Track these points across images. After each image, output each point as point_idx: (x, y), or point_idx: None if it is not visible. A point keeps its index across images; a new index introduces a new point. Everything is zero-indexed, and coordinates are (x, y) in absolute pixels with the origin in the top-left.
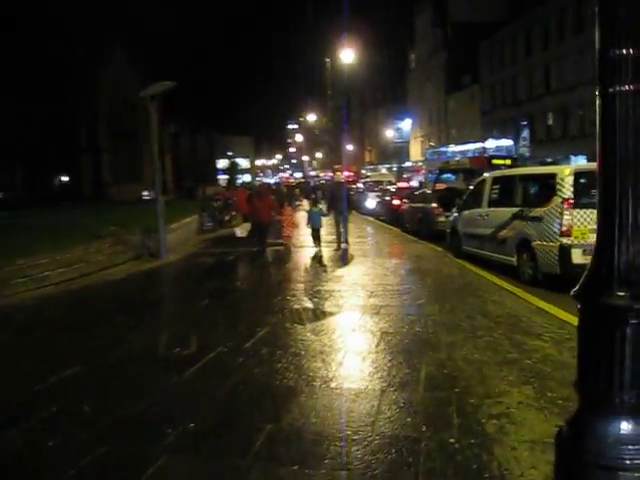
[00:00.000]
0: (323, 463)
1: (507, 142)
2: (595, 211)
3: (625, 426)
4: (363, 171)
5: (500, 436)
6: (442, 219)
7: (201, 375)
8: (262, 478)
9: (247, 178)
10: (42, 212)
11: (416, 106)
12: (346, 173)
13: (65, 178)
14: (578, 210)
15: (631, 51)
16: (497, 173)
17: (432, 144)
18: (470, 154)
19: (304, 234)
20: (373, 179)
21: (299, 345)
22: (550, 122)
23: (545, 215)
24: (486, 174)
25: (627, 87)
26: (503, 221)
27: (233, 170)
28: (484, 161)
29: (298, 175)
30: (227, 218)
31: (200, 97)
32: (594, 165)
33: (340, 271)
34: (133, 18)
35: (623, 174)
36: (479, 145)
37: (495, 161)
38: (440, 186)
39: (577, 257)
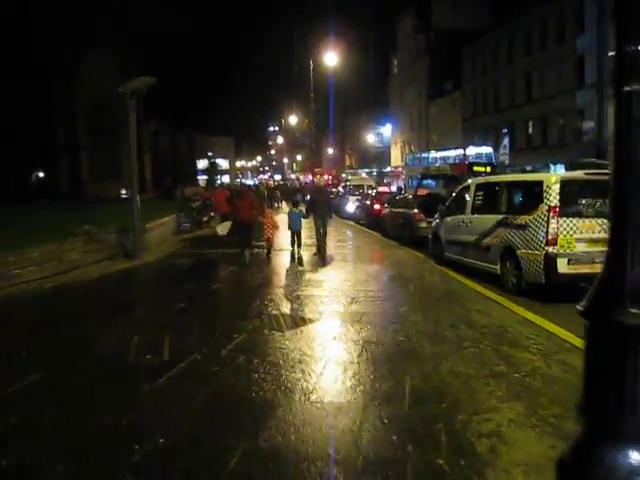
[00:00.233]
0: None
1: (487, 149)
2: (581, 220)
3: (637, 456)
4: (343, 175)
5: (491, 457)
6: (424, 225)
7: (173, 385)
8: None
9: (226, 179)
10: (16, 209)
11: (397, 111)
12: (326, 176)
13: (42, 175)
14: (564, 219)
15: None
16: (481, 179)
17: (412, 149)
18: (451, 160)
19: (284, 236)
20: (353, 183)
21: (277, 354)
22: (530, 130)
23: (530, 223)
24: (469, 180)
25: None
26: (487, 228)
27: (213, 171)
28: (465, 168)
29: (278, 177)
30: (205, 219)
31: (181, 96)
32: (581, 173)
33: (320, 276)
34: (116, 14)
35: (638, 177)
36: (460, 152)
37: (476, 168)
38: (422, 192)
39: (563, 267)
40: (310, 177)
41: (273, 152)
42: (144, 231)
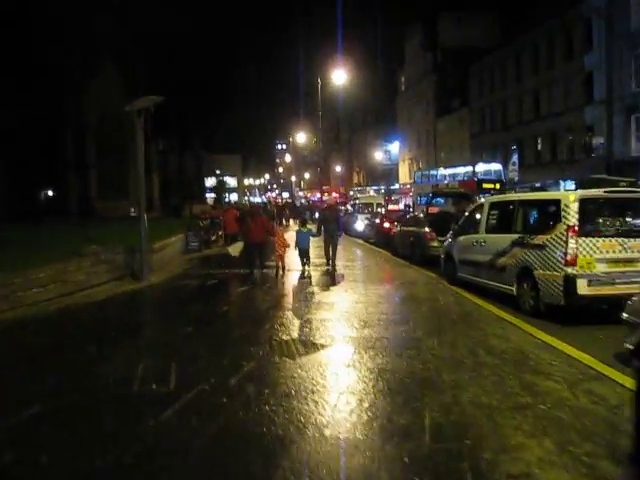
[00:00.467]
0: None
1: (496, 166)
2: (601, 239)
3: None
4: (351, 192)
5: None
6: (435, 244)
7: (179, 419)
8: None
9: (235, 197)
10: (24, 227)
11: (405, 128)
12: (334, 194)
13: (51, 193)
14: (584, 238)
15: None
16: (495, 198)
17: (420, 167)
18: (460, 178)
19: (294, 255)
20: (363, 201)
21: (289, 383)
22: (539, 147)
23: (548, 243)
24: (483, 199)
25: None
26: (502, 248)
27: (221, 189)
28: (474, 185)
29: (286, 195)
30: (213, 238)
31: (189, 114)
32: (601, 191)
33: (331, 297)
34: (125, 33)
35: None
36: (468, 169)
37: (485, 185)
38: (432, 210)
39: (583, 288)
40: (318, 195)
41: (281, 170)
42: (151, 251)
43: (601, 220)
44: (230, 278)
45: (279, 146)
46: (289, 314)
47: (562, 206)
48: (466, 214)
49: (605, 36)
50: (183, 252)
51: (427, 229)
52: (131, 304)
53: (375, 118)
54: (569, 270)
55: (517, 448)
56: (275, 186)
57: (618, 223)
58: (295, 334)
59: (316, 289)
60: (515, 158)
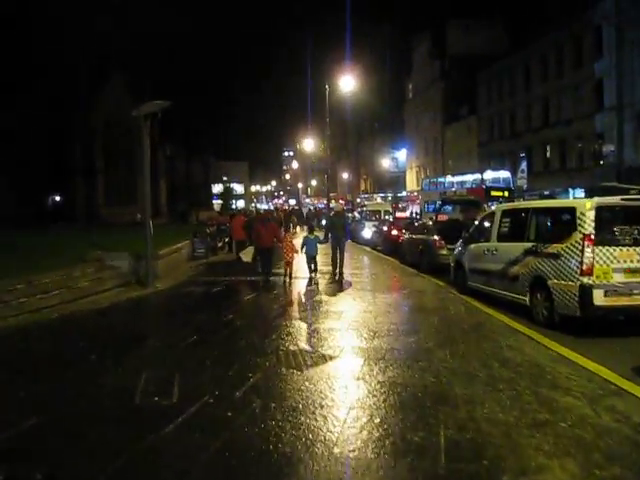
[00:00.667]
0: None
1: (505, 174)
2: (618, 249)
3: None
4: (358, 200)
5: None
6: (444, 252)
7: (181, 434)
8: None
9: (241, 204)
10: (30, 232)
11: (413, 136)
12: (341, 201)
13: (58, 198)
14: (600, 247)
15: None
16: (507, 205)
17: (428, 174)
18: (468, 185)
19: (302, 262)
20: (370, 208)
21: (296, 397)
22: (548, 154)
23: (563, 252)
24: (494, 206)
25: None
26: (514, 257)
27: (228, 195)
28: (482, 192)
29: (292, 202)
30: (220, 244)
31: (196, 121)
32: (617, 199)
33: (339, 306)
34: (132, 36)
35: None
36: (477, 176)
37: (494, 192)
38: (441, 217)
39: (599, 299)
40: (325, 202)
41: (288, 177)
42: (157, 257)
43: (618, 228)
44: (236, 285)
45: (286, 153)
46: (296, 323)
47: (577, 214)
48: (477, 222)
49: (615, 43)
50: (189, 258)
51: (436, 237)
52: (135, 311)
53: (382, 125)
54: (585, 280)
55: (538, 470)
56: (282, 193)
57: (636, 232)
58: (302, 344)
59: (324, 297)
60: (524, 166)
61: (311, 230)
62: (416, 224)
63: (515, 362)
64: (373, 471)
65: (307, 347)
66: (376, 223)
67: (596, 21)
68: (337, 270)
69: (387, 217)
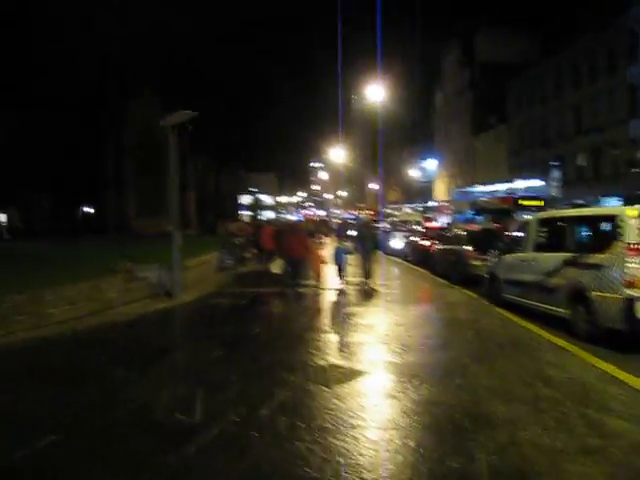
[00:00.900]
0: None
1: (538, 182)
2: None
3: None
4: (387, 210)
5: None
6: (477, 262)
7: (204, 455)
8: None
9: (270, 214)
10: (62, 243)
11: (441, 145)
12: (369, 212)
13: (90, 209)
14: None
15: None
16: (544, 214)
17: (458, 184)
18: (499, 194)
19: (331, 273)
20: (400, 218)
21: (325, 416)
22: (581, 162)
23: (605, 262)
24: (530, 215)
25: None
26: (552, 267)
27: (256, 206)
28: (514, 202)
29: (321, 213)
30: (248, 255)
31: (225, 133)
32: None
33: (369, 318)
34: (163, 48)
35: None
36: (509, 185)
37: (524, 202)
38: (474, 227)
39: None
40: (354, 212)
41: (316, 187)
42: (185, 268)
43: None
44: (264, 297)
45: (315, 164)
46: (325, 336)
47: (619, 222)
48: (512, 231)
49: None
50: (217, 269)
51: (468, 247)
52: (161, 323)
53: (411, 135)
54: (628, 292)
55: None
56: (310, 204)
57: None
58: (332, 359)
59: (353, 309)
60: (557, 174)
61: (341, 241)
62: (447, 234)
63: (558, 380)
64: None
65: (336, 362)
66: (406, 233)
67: (629, 25)
68: (366, 281)
69: (417, 227)
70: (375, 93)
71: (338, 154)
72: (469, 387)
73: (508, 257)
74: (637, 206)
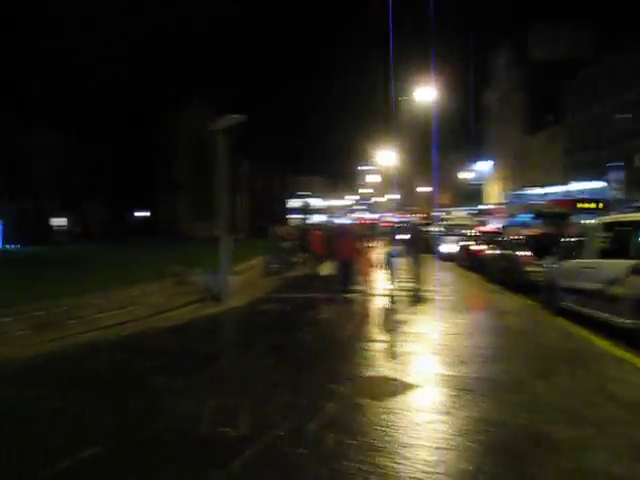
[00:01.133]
0: None
1: (598, 184)
2: None
3: None
4: (438, 213)
5: None
6: (533, 268)
7: (248, 471)
8: None
9: (319, 218)
10: (113, 248)
11: (493, 147)
12: (419, 215)
13: (142, 214)
14: None
15: None
16: (608, 218)
17: (511, 186)
18: (556, 197)
19: (381, 277)
20: (452, 222)
21: (374, 433)
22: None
23: None
24: (592, 219)
25: None
26: (616, 275)
27: (306, 210)
28: (573, 204)
29: (372, 216)
30: (297, 260)
31: (274, 137)
32: None
33: (420, 326)
34: (217, 53)
35: None
36: (566, 187)
37: (584, 205)
38: (530, 231)
39: None
40: (405, 216)
41: (367, 191)
42: (233, 273)
43: None
44: (312, 302)
45: (363, 167)
46: (375, 346)
47: None
48: (572, 236)
49: None
50: (266, 274)
51: (524, 252)
52: (207, 330)
53: (462, 137)
54: None
55: None
56: (360, 207)
57: None
58: (382, 370)
59: (403, 316)
60: (619, 176)
61: (391, 244)
62: (502, 238)
63: (626, 398)
64: None
65: (387, 373)
66: (458, 237)
67: None
68: (418, 286)
69: (469, 231)
70: (427, 94)
71: (388, 157)
72: (527, 404)
73: (567, 263)
74: None
